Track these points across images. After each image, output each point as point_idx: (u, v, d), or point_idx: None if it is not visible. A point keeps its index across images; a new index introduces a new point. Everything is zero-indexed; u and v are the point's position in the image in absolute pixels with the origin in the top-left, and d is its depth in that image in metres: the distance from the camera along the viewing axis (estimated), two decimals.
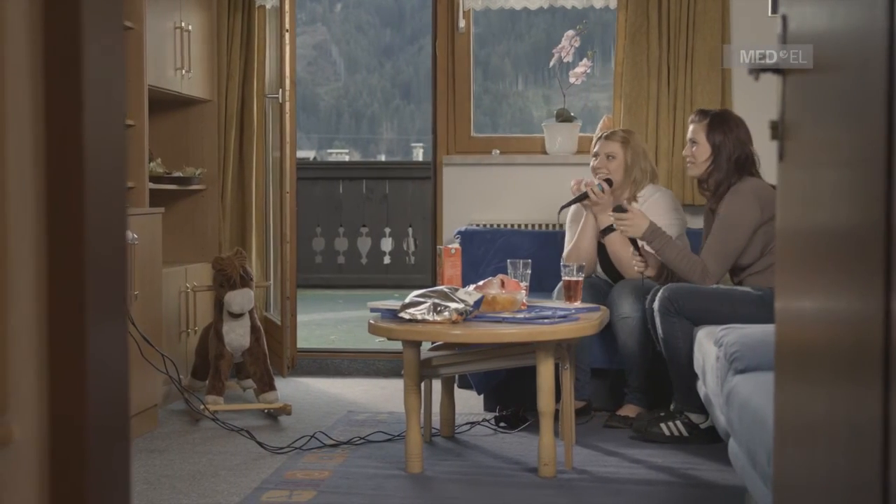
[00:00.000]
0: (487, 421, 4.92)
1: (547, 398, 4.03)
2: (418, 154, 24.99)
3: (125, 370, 1.52)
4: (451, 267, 4.52)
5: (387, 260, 11.76)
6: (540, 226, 6.04)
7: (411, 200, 11.89)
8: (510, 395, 5.11)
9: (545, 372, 4.02)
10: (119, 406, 1.50)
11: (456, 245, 4.61)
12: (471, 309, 4.07)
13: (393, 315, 4.14)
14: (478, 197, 6.11)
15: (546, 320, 4.04)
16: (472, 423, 4.87)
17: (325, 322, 9.04)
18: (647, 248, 4.72)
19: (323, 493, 3.82)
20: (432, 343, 4.46)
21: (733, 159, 4.60)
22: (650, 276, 4.79)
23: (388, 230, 11.79)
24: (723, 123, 4.64)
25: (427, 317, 4.03)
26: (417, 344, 4.15)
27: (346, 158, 22.40)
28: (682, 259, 4.55)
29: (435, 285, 6.22)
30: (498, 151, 6.16)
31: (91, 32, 1.41)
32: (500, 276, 4.45)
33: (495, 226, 5.99)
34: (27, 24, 1.40)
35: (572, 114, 6.15)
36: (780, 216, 2.23)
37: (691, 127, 4.74)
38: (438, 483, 3.96)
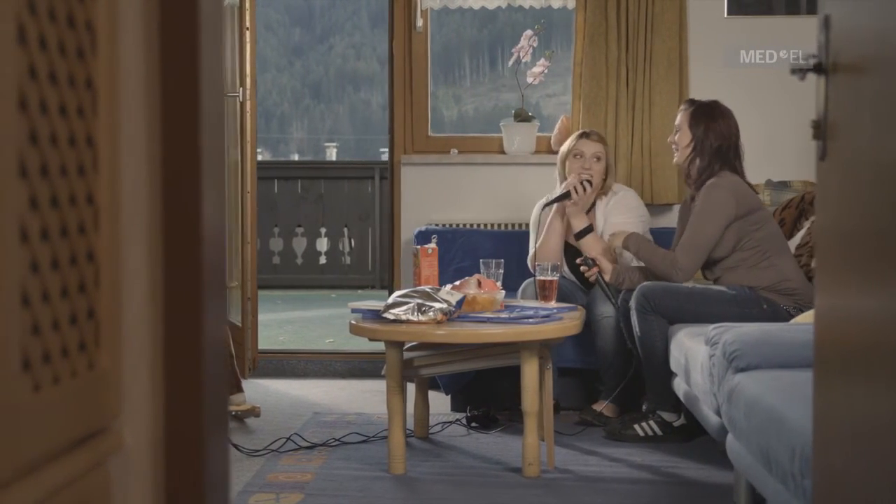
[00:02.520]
0: (460, 421, 4.91)
1: (531, 398, 4.03)
2: (331, 154, 24.91)
3: (224, 369, 1.49)
4: (429, 267, 4.50)
5: (322, 260, 11.69)
6: (499, 225, 6.04)
7: (347, 200, 11.83)
8: (478, 396, 5.10)
9: (530, 372, 4.02)
10: (221, 404, 1.46)
11: (433, 245, 4.59)
12: (453, 309, 4.06)
13: (375, 315, 4.11)
14: (436, 197, 6.09)
15: (530, 320, 4.03)
16: (445, 424, 4.86)
17: (268, 323, 8.95)
18: (593, 255, 4.79)
19: (310, 495, 3.77)
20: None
21: (713, 149, 4.62)
22: (607, 280, 4.80)
23: (323, 230, 11.72)
24: (707, 113, 4.67)
25: (411, 317, 4.00)
26: (401, 345, 4.12)
27: (259, 158, 22.24)
28: (655, 255, 4.61)
29: (390, 285, 6.22)
30: (456, 151, 6.15)
31: (205, 30, 1.37)
32: (477, 275, 4.43)
33: (454, 225, 5.98)
34: (143, 21, 1.36)
35: (530, 114, 6.16)
36: (820, 215, 2.24)
37: (679, 115, 4.77)
38: (425, 484, 3.94)
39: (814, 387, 2.24)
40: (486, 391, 5.10)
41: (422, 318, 3.99)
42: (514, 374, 5.02)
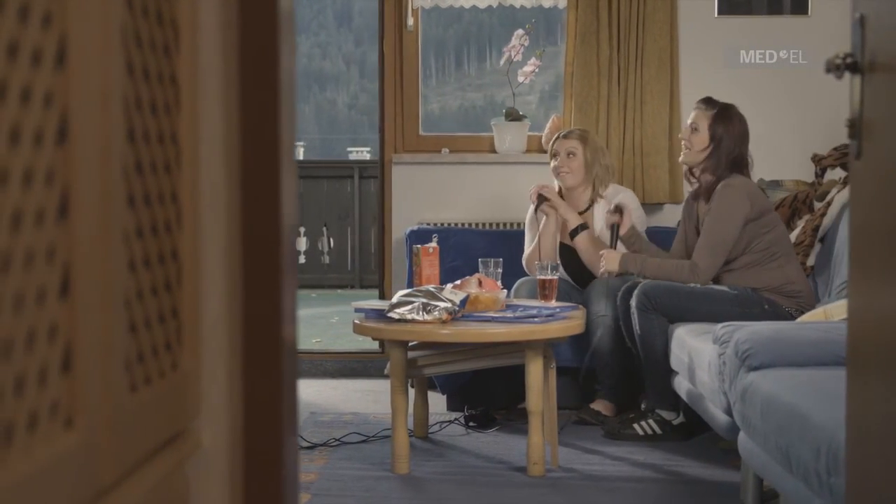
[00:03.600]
0: (458, 420, 4.90)
1: (536, 397, 4.02)
2: (298, 153, 24.81)
3: (298, 366, 1.47)
4: (430, 266, 4.49)
5: (301, 260, 11.64)
6: (490, 224, 6.03)
7: (326, 200, 11.79)
8: (474, 395, 5.09)
9: (534, 371, 4.01)
10: (295, 405, 1.45)
11: (434, 244, 4.58)
12: (457, 308, 4.05)
13: (379, 315, 4.09)
14: (427, 196, 6.07)
15: (535, 319, 4.03)
16: (443, 423, 4.84)
17: None
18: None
19: (317, 496, 3.75)
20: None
21: (732, 156, 4.59)
22: (615, 269, 4.80)
23: (302, 230, 11.68)
24: (728, 117, 4.61)
25: (416, 316, 3.99)
26: (405, 344, 4.11)
27: None
28: (665, 270, 4.57)
29: (381, 285, 6.20)
30: (447, 150, 6.14)
31: (283, 25, 1.36)
32: (478, 275, 4.43)
33: (445, 225, 5.96)
34: (222, 16, 1.34)
35: (522, 113, 6.15)
36: (855, 214, 2.25)
37: (694, 113, 4.68)
38: (431, 484, 3.93)
39: (847, 385, 2.24)
40: (482, 390, 5.09)
41: (427, 317, 3.98)
42: (510, 373, 5.03)
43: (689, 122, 4.71)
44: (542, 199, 5.04)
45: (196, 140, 1.31)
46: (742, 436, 3.37)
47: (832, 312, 3.80)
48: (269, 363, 1.35)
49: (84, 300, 0.97)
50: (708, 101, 4.68)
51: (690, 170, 4.72)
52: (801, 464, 2.71)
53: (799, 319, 4.15)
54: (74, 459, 0.95)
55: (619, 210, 4.86)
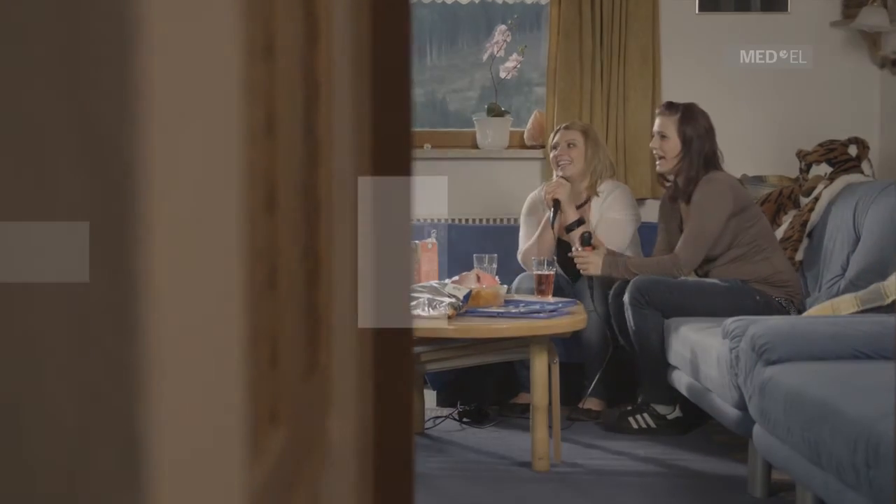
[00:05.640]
0: (452, 416, 4.89)
1: (541, 392, 4.02)
2: None
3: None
4: (429, 262, 4.48)
5: None
6: (474, 220, 6.02)
7: None
8: (465, 391, 5.08)
9: (539, 366, 4.01)
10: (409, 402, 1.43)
11: (432, 240, 4.57)
12: (461, 304, 4.04)
13: None
14: None
15: (540, 315, 4.03)
16: (437, 419, 4.83)
17: None
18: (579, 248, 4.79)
19: None
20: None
21: (703, 154, 4.62)
22: (599, 273, 4.78)
23: None
24: (692, 117, 4.64)
25: (422, 312, 3.98)
26: None
27: None
28: (648, 267, 4.58)
29: None
30: (429, 146, 6.12)
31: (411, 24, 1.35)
32: (475, 270, 4.42)
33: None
34: (354, 7, 1.33)
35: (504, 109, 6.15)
36: None
37: (659, 120, 4.72)
38: (438, 480, 3.92)
39: None
40: (473, 386, 5.09)
41: (433, 312, 3.97)
42: (500, 368, 5.03)
43: (655, 129, 4.74)
44: (557, 203, 5.02)
45: (331, 133, 1.29)
46: (758, 429, 3.39)
47: (840, 306, 3.84)
48: (398, 360, 1.34)
49: (283, 295, 0.96)
50: (670, 106, 4.72)
51: (666, 175, 4.76)
52: (834, 457, 2.72)
53: (806, 313, 4.18)
54: (284, 457, 0.94)
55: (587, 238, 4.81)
